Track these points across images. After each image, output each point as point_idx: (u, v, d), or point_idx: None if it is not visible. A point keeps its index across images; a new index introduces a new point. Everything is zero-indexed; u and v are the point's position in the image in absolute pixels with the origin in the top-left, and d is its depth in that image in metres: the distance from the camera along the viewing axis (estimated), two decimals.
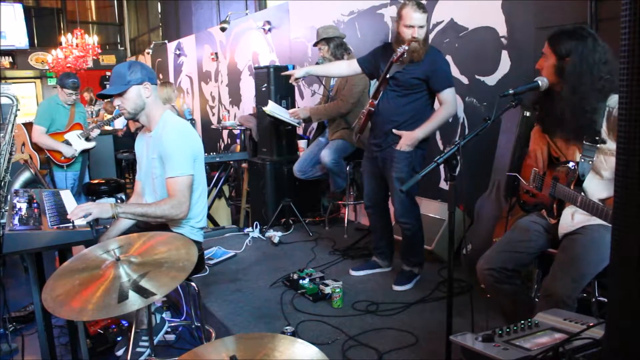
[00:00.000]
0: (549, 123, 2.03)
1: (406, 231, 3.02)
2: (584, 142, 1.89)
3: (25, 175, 2.85)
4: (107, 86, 2.46)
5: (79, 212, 2.08)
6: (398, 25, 2.79)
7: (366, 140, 3.21)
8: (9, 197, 2.34)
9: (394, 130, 2.86)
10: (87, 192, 4.48)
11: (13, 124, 2.36)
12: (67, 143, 4.26)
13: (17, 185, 2.79)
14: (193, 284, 2.40)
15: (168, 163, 2.26)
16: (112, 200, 4.61)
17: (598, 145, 1.88)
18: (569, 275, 1.82)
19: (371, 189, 3.13)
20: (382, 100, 2.91)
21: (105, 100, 7.87)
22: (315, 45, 4.03)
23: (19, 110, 2.42)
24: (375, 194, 3.13)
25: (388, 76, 2.84)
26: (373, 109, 2.94)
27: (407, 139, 2.82)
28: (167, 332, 2.85)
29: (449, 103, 2.82)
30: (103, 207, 2.16)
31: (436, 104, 2.95)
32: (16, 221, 2.00)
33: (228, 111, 6.98)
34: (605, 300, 2.01)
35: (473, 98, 3.46)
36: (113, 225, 2.45)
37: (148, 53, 10.19)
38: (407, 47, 2.71)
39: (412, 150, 2.85)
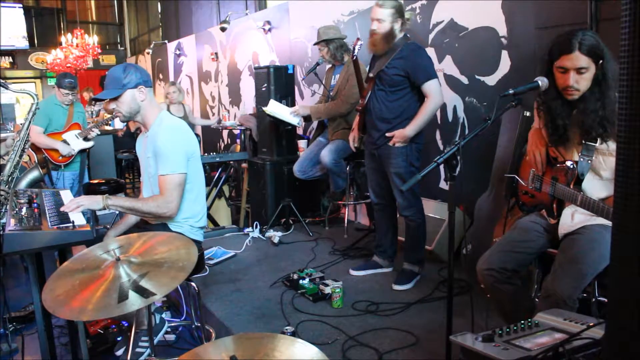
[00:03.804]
0: (563, 133, 1.95)
1: (411, 223, 3.05)
2: (587, 141, 1.87)
3: (34, 174, 2.85)
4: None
5: (71, 205, 2.16)
6: None
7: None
8: (14, 193, 2.34)
9: (387, 134, 2.93)
10: (87, 192, 4.48)
11: (30, 121, 2.38)
12: (65, 143, 4.26)
13: (24, 183, 2.79)
14: (193, 284, 2.41)
15: (160, 160, 2.27)
16: None
17: (596, 146, 1.87)
18: (569, 275, 1.82)
19: (376, 184, 3.16)
20: (371, 99, 2.98)
21: (105, 100, 7.87)
22: (315, 44, 4.04)
23: (38, 108, 2.44)
24: (381, 188, 3.15)
25: (371, 75, 2.94)
26: (361, 108, 3.02)
27: (398, 137, 2.89)
28: (167, 332, 2.84)
29: (433, 95, 2.88)
30: (94, 199, 2.22)
31: None
32: (16, 221, 2.00)
33: (228, 111, 6.98)
34: (605, 300, 2.01)
35: (473, 98, 3.46)
36: (122, 221, 2.47)
37: (148, 53, 10.18)
38: (356, 43, 3.05)
39: (407, 145, 2.92)
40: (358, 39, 3.15)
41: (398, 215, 3.21)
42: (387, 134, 2.93)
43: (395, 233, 3.28)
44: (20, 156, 2.34)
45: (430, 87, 2.86)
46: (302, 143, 4.72)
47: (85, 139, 4.34)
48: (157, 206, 2.25)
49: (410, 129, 2.87)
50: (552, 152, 2.04)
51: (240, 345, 1.25)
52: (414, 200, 3.03)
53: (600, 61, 1.82)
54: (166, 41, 9.61)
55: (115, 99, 2.28)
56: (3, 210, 2.06)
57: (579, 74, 1.84)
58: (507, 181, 2.27)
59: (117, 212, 2.65)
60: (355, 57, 3.19)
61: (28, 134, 2.40)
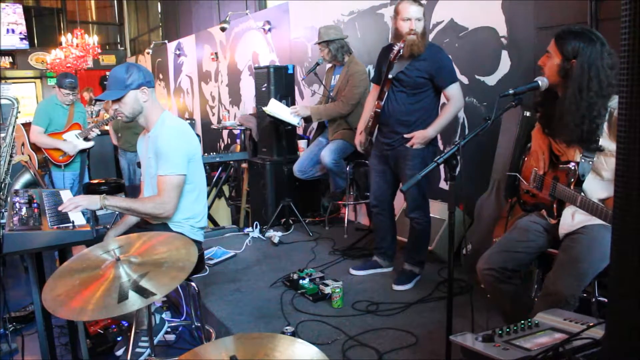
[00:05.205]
0: (551, 125, 2.01)
1: (417, 225, 3.02)
2: (584, 147, 1.88)
3: (26, 177, 2.86)
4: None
5: (69, 205, 2.16)
6: (396, 21, 2.84)
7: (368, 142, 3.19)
8: (8, 198, 2.35)
9: (405, 135, 2.88)
10: (87, 192, 4.48)
11: (13, 126, 2.37)
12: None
13: (17, 187, 2.80)
14: (193, 284, 2.41)
15: (160, 161, 2.27)
16: None
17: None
18: (571, 274, 1.82)
19: (378, 187, 3.12)
20: (389, 101, 2.91)
21: (106, 100, 7.86)
22: (316, 43, 4.04)
23: (19, 112, 2.43)
24: (383, 192, 3.12)
25: (390, 76, 2.85)
26: (379, 110, 2.94)
27: (419, 138, 2.85)
28: (167, 332, 2.85)
29: (455, 98, 2.85)
30: (92, 199, 2.21)
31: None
32: (16, 221, 2.00)
33: (228, 111, 6.99)
34: (605, 300, 2.01)
35: (473, 98, 3.46)
36: (121, 221, 2.47)
37: (148, 53, 10.18)
38: (402, 45, 2.75)
39: (424, 147, 2.89)
40: (403, 40, 2.79)
41: (397, 217, 3.20)
42: (405, 135, 2.88)
43: (394, 234, 3.26)
44: (9, 162, 2.34)
45: (454, 91, 2.85)
46: (302, 143, 4.72)
47: (86, 139, 4.34)
48: (154, 207, 2.25)
49: (432, 130, 2.85)
50: (556, 151, 2.04)
51: (240, 345, 1.25)
52: (422, 203, 2.99)
53: (573, 59, 1.86)
54: (166, 41, 9.62)
55: (118, 100, 2.28)
56: (2, 216, 2.06)
57: (546, 56, 1.96)
58: (508, 180, 2.27)
59: (117, 212, 2.65)
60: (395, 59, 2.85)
61: (14, 139, 2.40)
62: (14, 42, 11.88)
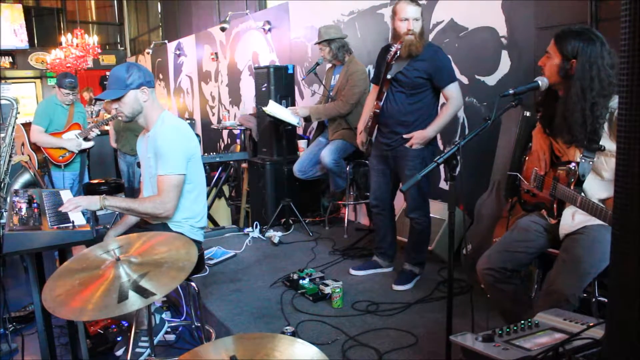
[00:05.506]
0: (552, 125, 2.01)
1: (416, 226, 3.02)
2: (585, 147, 1.88)
3: (25, 177, 2.87)
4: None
5: (69, 206, 2.17)
6: (394, 21, 2.83)
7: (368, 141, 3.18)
8: (8, 198, 2.35)
9: (405, 135, 2.88)
10: (87, 192, 4.48)
11: (13, 127, 2.37)
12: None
13: (17, 187, 2.80)
14: (193, 284, 2.40)
15: (160, 161, 2.27)
16: None
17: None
18: (572, 274, 1.83)
19: (378, 187, 3.12)
20: (387, 101, 2.91)
21: (106, 100, 7.85)
22: (317, 43, 4.03)
23: (19, 112, 2.43)
24: (383, 192, 3.12)
25: (389, 77, 2.85)
26: (378, 111, 2.93)
27: (419, 138, 2.85)
28: (167, 332, 2.85)
29: (454, 98, 2.85)
30: (91, 199, 2.22)
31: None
32: (16, 221, 2.00)
33: (228, 111, 6.99)
34: (605, 300, 2.01)
35: (473, 98, 3.46)
36: (121, 221, 2.47)
37: (148, 53, 10.18)
38: (399, 45, 2.75)
39: (423, 148, 2.88)
40: (400, 41, 2.78)
41: (397, 217, 3.20)
42: (405, 136, 2.88)
43: (394, 234, 3.26)
44: (8, 162, 2.35)
45: (452, 91, 2.84)
46: (302, 143, 4.72)
47: (86, 139, 4.34)
48: (153, 207, 2.25)
49: (431, 130, 2.85)
50: (557, 151, 2.04)
51: (240, 345, 1.25)
52: (422, 203, 2.99)
53: (573, 59, 1.86)
54: (166, 41, 9.61)
55: (118, 99, 2.28)
56: (1, 216, 2.06)
57: (546, 57, 1.96)
58: (508, 180, 2.27)
59: (117, 212, 2.65)
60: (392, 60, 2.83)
61: (14, 139, 2.41)
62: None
